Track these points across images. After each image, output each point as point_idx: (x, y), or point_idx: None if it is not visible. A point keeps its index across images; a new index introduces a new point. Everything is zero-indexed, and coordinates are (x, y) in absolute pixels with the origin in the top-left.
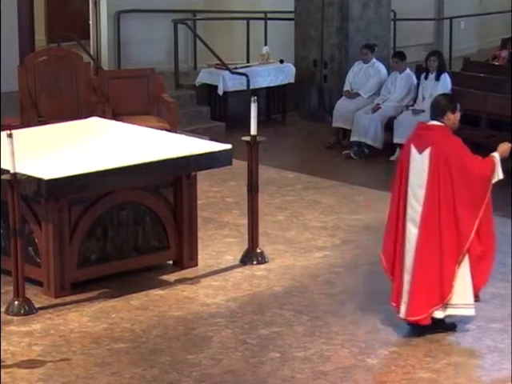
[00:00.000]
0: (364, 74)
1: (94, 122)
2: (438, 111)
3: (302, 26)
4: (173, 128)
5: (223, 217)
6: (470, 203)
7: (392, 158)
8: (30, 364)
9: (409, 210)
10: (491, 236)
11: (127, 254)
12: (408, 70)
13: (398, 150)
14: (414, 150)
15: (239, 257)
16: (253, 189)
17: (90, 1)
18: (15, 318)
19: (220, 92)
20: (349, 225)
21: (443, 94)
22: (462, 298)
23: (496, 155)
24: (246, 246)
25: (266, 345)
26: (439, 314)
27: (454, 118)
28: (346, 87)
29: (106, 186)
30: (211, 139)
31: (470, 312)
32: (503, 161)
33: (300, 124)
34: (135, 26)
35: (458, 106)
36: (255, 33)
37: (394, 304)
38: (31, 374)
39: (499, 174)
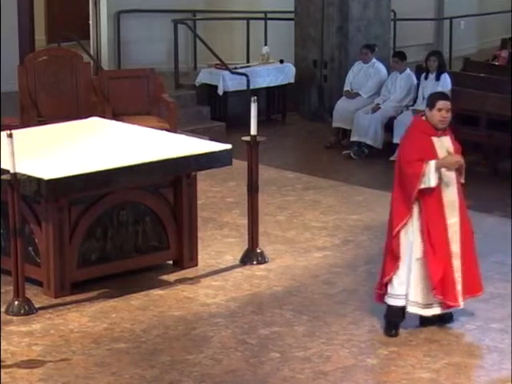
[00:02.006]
0: (364, 74)
1: (94, 122)
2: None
3: (301, 25)
4: (173, 128)
5: (223, 217)
6: (402, 201)
7: (392, 158)
8: (30, 364)
9: None
10: (442, 238)
11: (127, 254)
12: (408, 70)
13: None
14: None
15: (239, 257)
16: (253, 189)
17: (90, 1)
18: (15, 317)
19: (220, 92)
20: (349, 225)
21: (437, 92)
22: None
23: (432, 163)
24: (245, 246)
25: (265, 345)
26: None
27: (430, 114)
28: (346, 87)
29: (106, 186)
30: (211, 139)
31: (411, 309)
32: (503, 161)
33: (300, 124)
34: (135, 26)
35: (438, 104)
36: (255, 33)
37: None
38: (31, 374)
39: (430, 181)
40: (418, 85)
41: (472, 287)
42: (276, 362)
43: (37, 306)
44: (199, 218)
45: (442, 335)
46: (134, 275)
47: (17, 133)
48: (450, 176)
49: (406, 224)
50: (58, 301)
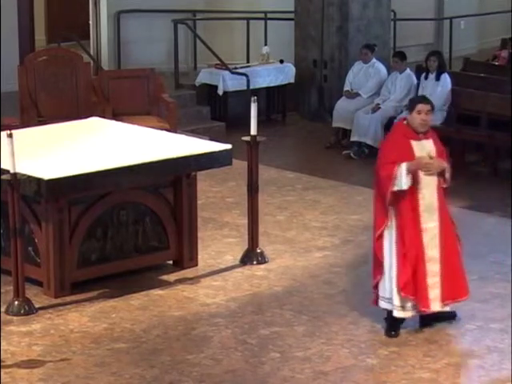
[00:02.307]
0: (364, 74)
1: (94, 122)
2: None
3: (301, 25)
4: (173, 128)
5: (223, 217)
6: (382, 204)
7: None
8: (30, 364)
9: None
10: (416, 243)
11: (127, 254)
12: (408, 70)
13: None
14: None
15: (239, 257)
16: (253, 189)
17: (90, 1)
18: (15, 317)
19: (220, 92)
20: (349, 225)
21: (418, 96)
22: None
23: (403, 165)
24: (246, 246)
25: (265, 345)
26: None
27: (410, 117)
28: (346, 87)
29: (106, 186)
30: (211, 139)
31: (397, 313)
32: (503, 161)
33: (300, 124)
34: (135, 26)
35: (417, 107)
36: (255, 33)
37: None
38: (31, 373)
39: (402, 184)
40: (418, 85)
41: (456, 291)
42: (276, 362)
43: (37, 306)
44: (199, 218)
45: (442, 335)
46: (134, 275)
47: (17, 133)
48: (430, 180)
49: (387, 227)
50: (58, 301)
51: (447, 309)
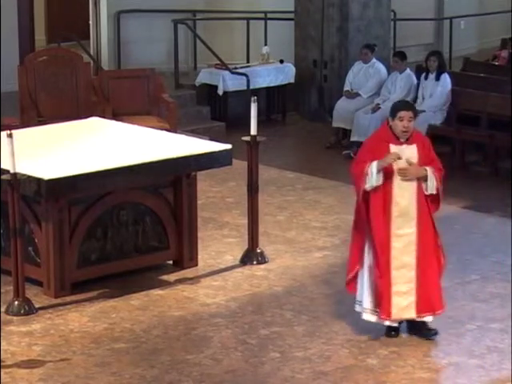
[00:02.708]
0: (364, 74)
1: (94, 122)
2: None
3: (302, 25)
4: (173, 128)
5: (223, 217)
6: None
7: None
8: (30, 364)
9: None
10: (386, 248)
11: (127, 254)
12: (408, 70)
13: None
14: None
15: (239, 257)
16: (253, 189)
17: (90, 1)
18: (15, 317)
19: (220, 92)
20: (349, 225)
21: (401, 101)
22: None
23: (374, 163)
24: (246, 246)
25: (265, 345)
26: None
27: (393, 124)
28: (346, 87)
29: (106, 186)
30: (211, 139)
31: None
32: (503, 161)
33: (300, 124)
34: (135, 25)
35: (399, 114)
36: (255, 33)
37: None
38: (31, 373)
39: (372, 181)
40: (418, 85)
41: (430, 304)
42: (276, 362)
43: (37, 306)
44: (199, 218)
45: (442, 335)
46: (134, 275)
47: (17, 133)
48: (408, 185)
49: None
50: (58, 301)
51: (427, 319)
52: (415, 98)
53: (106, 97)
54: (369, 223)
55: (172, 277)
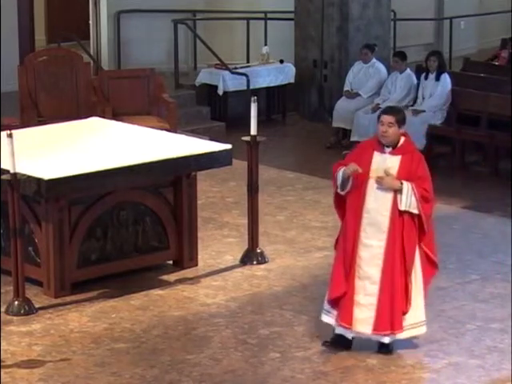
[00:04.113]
0: (364, 74)
1: (94, 121)
2: None
3: (301, 25)
4: (173, 128)
5: (223, 217)
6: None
7: None
8: (30, 364)
9: None
10: (352, 255)
11: (127, 254)
12: (408, 70)
13: None
14: None
15: (239, 257)
16: (253, 189)
17: (90, 1)
18: (15, 317)
19: (220, 92)
20: None
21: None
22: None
23: (341, 170)
24: (245, 246)
25: (266, 345)
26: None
27: (377, 127)
28: (346, 87)
29: (105, 186)
30: (211, 139)
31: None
32: (503, 161)
33: (300, 124)
34: (135, 26)
35: (381, 118)
36: (255, 33)
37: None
38: (31, 373)
39: (339, 186)
40: (418, 85)
41: (390, 323)
42: (276, 362)
43: (37, 306)
44: (199, 218)
45: (442, 335)
46: (134, 275)
47: (17, 133)
48: (382, 197)
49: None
50: (58, 301)
51: (383, 340)
52: (415, 98)
53: (106, 97)
54: (342, 225)
55: (172, 277)
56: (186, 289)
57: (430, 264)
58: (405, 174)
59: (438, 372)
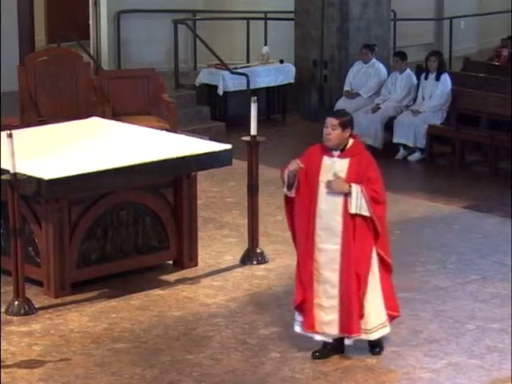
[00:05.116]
0: (364, 74)
1: (94, 121)
2: None
3: (302, 26)
4: (173, 128)
5: (223, 217)
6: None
7: (397, 157)
8: (30, 364)
9: None
10: (308, 261)
11: (127, 253)
12: (408, 71)
13: (401, 149)
14: None
15: (239, 257)
16: (253, 189)
17: (90, 1)
18: (15, 317)
19: (220, 92)
20: None
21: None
22: None
23: (286, 172)
24: (245, 246)
25: (265, 345)
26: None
27: None
28: (346, 87)
29: (105, 186)
30: (211, 139)
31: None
32: (503, 161)
33: (300, 124)
34: (135, 25)
35: (325, 121)
36: (255, 33)
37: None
38: (31, 373)
39: (286, 189)
40: (418, 85)
41: (348, 326)
42: (276, 362)
43: (37, 306)
44: (199, 218)
45: (442, 335)
46: (134, 275)
47: (17, 133)
48: (332, 200)
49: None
50: (58, 301)
51: (348, 342)
52: (415, 98)
53: (106, 97)
54: (294, 230)
55: (172, 277)
56: (185, 289)
57: (384, 267)
58: (354, 176)
59: (437, 372)
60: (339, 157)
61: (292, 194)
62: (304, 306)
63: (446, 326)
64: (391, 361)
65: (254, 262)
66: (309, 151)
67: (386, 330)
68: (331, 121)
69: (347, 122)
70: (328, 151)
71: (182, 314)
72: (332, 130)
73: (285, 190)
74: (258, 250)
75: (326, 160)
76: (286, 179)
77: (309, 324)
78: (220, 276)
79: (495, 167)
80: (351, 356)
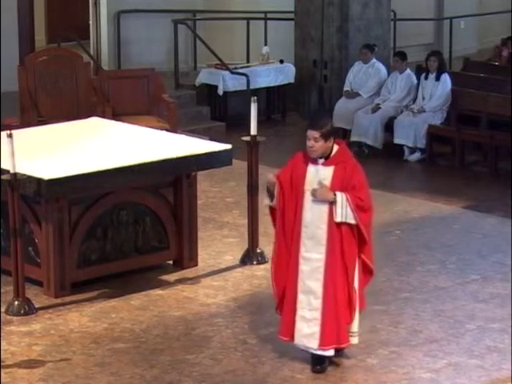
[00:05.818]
0: (364, 74)
1: (94, 121)
2: None
3: (302, 26)
4: (173, 128)
5: (223, 217)
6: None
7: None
8: (30, 364)
9: None
10: (293, 270)
11: (127, 253)
12: (408, 71)
13: (406, 150)
14: None
15: (239, 257)
16: (253, 189)
17: (90, 1)
18: (15, 317)
19: (220, 92)
20: None
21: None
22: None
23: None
24: (245, 246)
25: (265, 345)
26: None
27: None
28: (346, 87)
29: (105, 186)
30: (211, 139)
31: None
32: (503, 161)
33: (300, 124)
34: (135, 25)
35: (307, 133)
36: (255, 33)
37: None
38: (31, 373)
39: (268, 200)
40: (418, 85)
41: (336, 336)
42: (276, 362)
43: (37, 306)
44: (199, 218)
45: (442, 335)
46: (134, 275)
47: (17, 133)
48: (317, 210)
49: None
50: (58, 301)
51: (328, 353)
52: (415, 98)
53: (106, 97)
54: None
55: (172, 277)
56: (185, 289)
57: (365, 272)
58: (339, 184)
59: (437, 372)
60: (323, 165)
61: (273, 203)
62: (283, 314)
63: (446, 326)
64: (391, 361)
65: (254, 262)
66: (293, 160)
67: (354, 340)
68: (312, 134)
69: (329, 132)
70: (313, 159)
71: (181, 313)
72: (315, 142)
73: (266, 201)
74: (258, 250)
75: (310, 168)
76: (266, 191)
77: (286, 332)
78: (220, 276)
79: (495, 167)
80: (351, 356)
